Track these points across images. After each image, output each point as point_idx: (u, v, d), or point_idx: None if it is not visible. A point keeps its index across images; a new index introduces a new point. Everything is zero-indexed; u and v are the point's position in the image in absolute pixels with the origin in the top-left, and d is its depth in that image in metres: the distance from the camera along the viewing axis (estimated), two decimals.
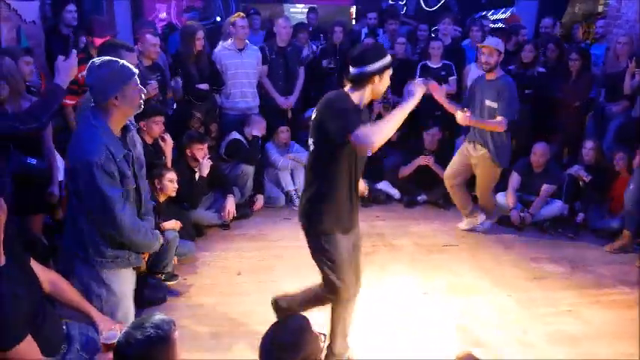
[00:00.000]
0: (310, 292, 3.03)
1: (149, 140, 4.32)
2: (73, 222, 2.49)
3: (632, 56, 5.33)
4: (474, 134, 4.68)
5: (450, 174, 4.91)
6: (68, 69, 2.81)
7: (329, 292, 2.88)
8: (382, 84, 2.74)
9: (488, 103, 4.48)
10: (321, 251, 2.80)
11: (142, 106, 2.48)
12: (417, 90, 2.66)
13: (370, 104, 5.77)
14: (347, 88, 2.76)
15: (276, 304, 3.16)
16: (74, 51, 2.56)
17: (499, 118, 4.40)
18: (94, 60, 2.39)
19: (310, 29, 6.92)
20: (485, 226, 5.03)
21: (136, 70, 2.43)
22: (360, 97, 2.72)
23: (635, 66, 5.14)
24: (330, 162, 2.69)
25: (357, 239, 3.02)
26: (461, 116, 4.39)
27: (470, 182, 5.01)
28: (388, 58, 2.72)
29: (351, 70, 2.73)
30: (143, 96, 2.46)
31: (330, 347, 3.01)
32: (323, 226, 2.76)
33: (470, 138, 4.73)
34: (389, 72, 2.74)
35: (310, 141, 2.78)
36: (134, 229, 2.47)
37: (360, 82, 2.70)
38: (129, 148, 2.49)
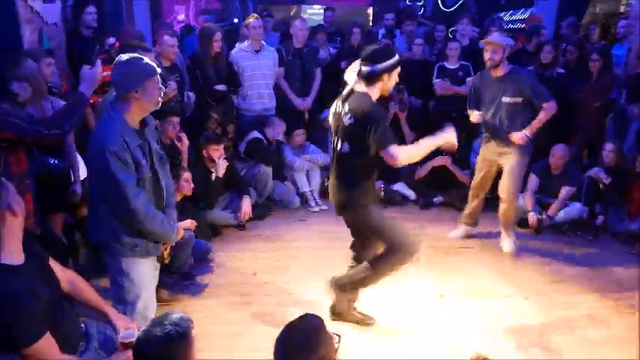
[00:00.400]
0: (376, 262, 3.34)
1: (166, 141, 4.36)
2: (94, 211, 2.61)
3: None
4: (495, 140, 4.44)
5: (477, 184, 4.71)
6: (93, 78, 2.82)
7: (392, 253, 3.26)
8: (391, 81, 3.10)
9: (507, 99, 4.27)
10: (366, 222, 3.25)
11: (160, 104, 2.60)
12: (450, 131, 3.14)
13: (386, 105, 5.84)
14: (362, 87, 3.07)
15: (336, 284, 3.44)
16: (99, 60, 2.57)
17: (545, 105, 4.21)
18: (121, 56, 2.53)
19: (328, 30, 6.93)
20: (510, 247, 4.61)
21: (159, 69, 2.55)
22: (373, 93, 3.07)
23: None
24: (365, 157, 3.07)
25: None
26: (517, 137, 4.24)
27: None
28: (396, 58, 3.07)
29: (363, 68, 3.05)
30: (162, 94, 2.58)
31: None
32: (364, 201, 3.19)
33: (486, 140, 4.54)
34: (397, 70, 3.09)
35: (342, 143, 3.12)
36: (148, 216, 2.54)
37: (371, 79, 3.04)
38: (145, 139, 2.59)
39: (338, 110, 3.17)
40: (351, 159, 3.11)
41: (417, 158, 3.14)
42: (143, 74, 2.48)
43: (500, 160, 4.45)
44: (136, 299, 2.68)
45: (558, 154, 4.99)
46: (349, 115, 3.03)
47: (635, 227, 4.77)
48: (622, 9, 8.42)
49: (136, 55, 2.55)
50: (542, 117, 4.25)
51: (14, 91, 3.16)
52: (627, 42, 6.24)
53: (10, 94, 3.14)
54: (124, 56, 2.51)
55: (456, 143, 3.21)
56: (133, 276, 2.65)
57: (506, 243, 4.60)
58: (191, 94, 5.14)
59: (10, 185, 2.16)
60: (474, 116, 4.40)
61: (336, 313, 3.50)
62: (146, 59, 2.54)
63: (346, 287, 3.42)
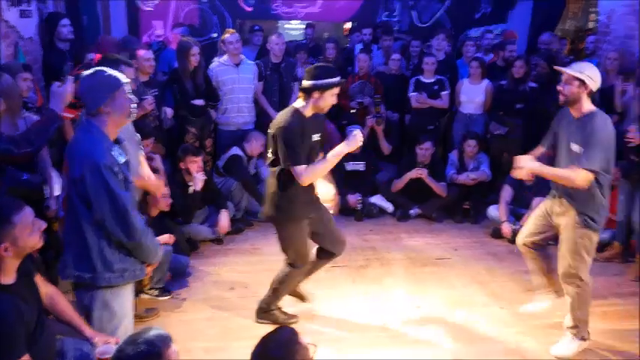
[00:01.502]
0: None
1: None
2: (77, 238, 2.43)
3: (621, 72, 5.41)
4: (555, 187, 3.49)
5: (526, 232, 3.66)
6: (63, 95, 2.77)
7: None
8: (323, 101, 3.21)
9: (574, 147, 3.26)
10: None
11: (134, 115, 2.59)
12: (357, 136, 3.21)
13: (363, 118, 5.92)
14: (300, 101, 3.28)
15: (260, 311, 3.66)
16: (70, 77, 2.50)
17: (579, 170, 3.14)
18: (83, 72, 2.49)
19: (308, 47, 7.00)
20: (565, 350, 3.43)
21: (126, 80, 2.50)
22: (308, 108, 3.24)
23: (623, 82, 5.23)
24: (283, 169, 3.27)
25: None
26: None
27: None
28: (334, 80, 3.18)
29: (303, 82, 3.24)
30: (134, 105, 2.54)
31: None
32: (292, 214, 3.35)
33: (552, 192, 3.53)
34: (333, 92, 3.20)
35: (270, 153, 3.31)
36: (144, 232, 2.49)
37: (305, 93, 3.22)
38: (126, 155, 2.55)
39: None
40: (272, 165, 3.33)
41: (324, 172, 3.33)
42: (109, 87, 2.42)
43: (557, 223, 3.47)
44: (115, 330, 2.55)
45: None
46: (271, 126, 3.28)
47: (606, 236, 4.87)
48: (591, 25, 8.68)
49: (97, 68, 2.49)
50: (561, 173, 3.29)
51: None
52: (596, 57, 6.43)
53: None
54: (87, 72, 2.47)
55: (360, 142, 3.24)
56: (114, 306, 2.53)
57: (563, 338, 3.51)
58: (168, 109, 5.13)
59: (30, 210, 2.18)
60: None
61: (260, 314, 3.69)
62: (110, 71, 2.47)
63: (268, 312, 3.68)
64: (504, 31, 7.97)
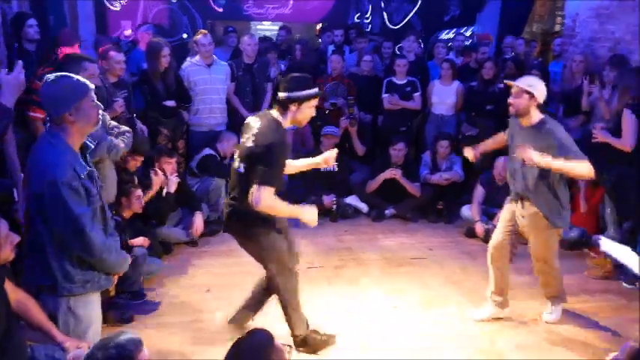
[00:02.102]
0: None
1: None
2: (38, 250, 2.36)
3: (586, 74, 5.56)
4: (514, 189, 3.68)
5: (495, 244, 3.75)
6: (13, 84, 2.37)
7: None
8: (301, 113, 3.01)
9: None
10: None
11: (100, 123, 2.47)
12: (311, 214, 3.03)
13: (337, 120, 5.93)
14: (276, 113, 3.03)
15: (296, 343, 3.29)
16: (20, 62, 2.15)
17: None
18: (48, 75, 2.34)
19: (279, 48, 6.98)
20: (555, 316, 3.81)
21: (92, 86, 2.39)
22: (285, 121, 3.02)
23: (589, 84, 5.37)
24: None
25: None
26: None
27: None
28: (310, 92, 2.99)
29: (279, 94, 3.02)
30: (101, 112, 2.43)
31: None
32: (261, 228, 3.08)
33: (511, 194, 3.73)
34: (310, 104, 3.01)
35: (240, 164, 3.03)
36: (105, 248, 2.40)
37: (282, 106, 3.00)
38: (90, 165, 2.44)
39: (250, 124, 3.08)
40: (244, 180, 2.97)
41: (276, 213, 3.01)
42: (75, 94, 2.29)
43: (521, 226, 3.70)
44: (84, 335, 2.48)
45: (501, 166, 5.18)
46: (254, 139, 2.95)
47: (575, 235, 4.99)
48: (557, 28, 8.89)
49: (64, 73, 2.37)
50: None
51: None
52: (562, 59, 6.59)
53: None
54: (51, 76, 2.31)
55: (315, 223, 3.06)
56: (80, 313, 2.46)
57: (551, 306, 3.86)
58: (144, 127, 4.94)
59: (4, 224, 2.09)
60: None
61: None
62: (76, 77, 2.36)
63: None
64: (479, 34, 8.10)
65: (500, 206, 5.16)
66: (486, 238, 5.09)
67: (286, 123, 3.04)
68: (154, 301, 3.95)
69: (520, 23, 8.25)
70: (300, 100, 2.97)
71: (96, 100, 2.39)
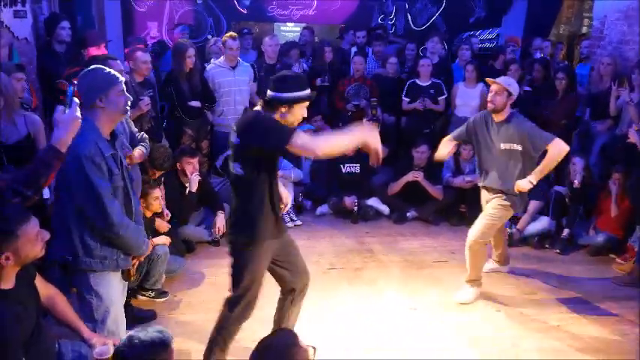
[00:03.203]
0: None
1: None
2: (62, 223, 2.52)
3: (615, 77, 5.46)
4: (485, 179, 4.06)
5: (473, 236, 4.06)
6: (69, 123, 2.21)
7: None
8: (291, 115, 2.73)
9: (504, 146, 3.89)
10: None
11: (128, 112, 2.65)
12: (370, 130, 2.65)
13: (360, 121, 5.92)
14: (259, 108, 2.78)
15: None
16: (76, 101, 2.14)
17: (552, 143, 3.72)
18: (83, 69, 2.55)
19: (301, 47, 7.00)
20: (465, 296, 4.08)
21: (123, 78, 2.57)
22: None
23: (618, 87, 5.27)
24: (258, 179, 2.75)
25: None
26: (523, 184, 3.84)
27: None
28: (302, 93, 2.71)
29: (267, 91, 2.75)
30: (129, 103, 2.59)
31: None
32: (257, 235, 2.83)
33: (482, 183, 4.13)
34: (301, 106, 2.74)
35: (236, 166, 2.79)
36: (123, 224, 2.53)
37: (271, 106, 2.72)
38: (116, 150, 2.59)
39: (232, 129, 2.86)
40: (243, 182, 2.79)
41: (338, 147, 2.66)
42: (105, 83, 2.49)
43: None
44: (106, 316, 2.62)
45: None
46: (235, 134, 2.76)
47: (601, 240, 4.91)
48: (584, 30, 8.75)
49: (97, 66, 2.57)
50: (550, 156, 3.77)
51: None
52: (590, 62, 6.48)
53: None
54: (86, 69, 2.55)
55: (378, 150, 2.61)
56: (101, 291, 2.60)
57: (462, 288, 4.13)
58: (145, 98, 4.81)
59: (35, 221, 2.15)
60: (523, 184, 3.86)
61: None
62: (108, 69, 2.56)
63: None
64: (507, 36, 8.01)
65: (524, 210, 5.13)
66: (510, 242, 5.06)
67: None
68: (177, 299, 4.00)
69: (546, 25, 8.14)
70: (291, 102, 2.70)
71: (125, 91, 2.56)
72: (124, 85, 2.56)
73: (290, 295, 3.10)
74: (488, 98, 3.85)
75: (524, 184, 3.84)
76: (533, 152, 3.81)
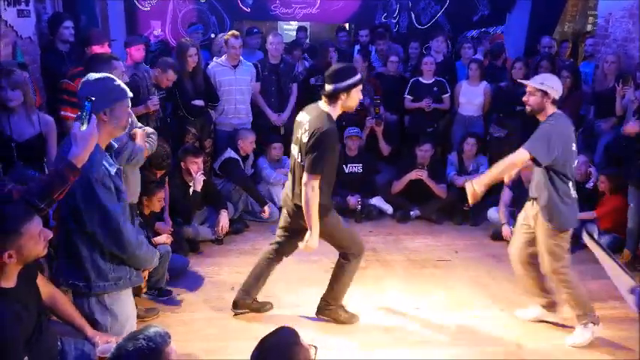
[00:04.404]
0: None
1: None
2: (71, 249, 2.41)
3: (619, 75, 5.42)
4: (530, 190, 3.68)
5: (515, 249, 3.75)
6: (87, 139, 2.15)
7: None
8: (350, 100, 3.25)
9: None
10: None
11: (127, 129, 2.58)
12: (315, 241, 3.29)
13: (363, 120, 5.91)
14: (325, 105, 3.26)
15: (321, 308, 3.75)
16: (94, 117, 2.13)
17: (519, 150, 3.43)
18: (90, 74, 2.41)
19: (304, 46, 6.99)
20: (578, 339, 3.56)
21: (130, 94, 2.45)
22: (335, 111, 3.25)
23: (623, 86, 5.24)
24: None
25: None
26: None
27: None
28: (355, 78, 3.21)
29: (326, 87, 3.23)
30: (130, 120, 2.54)
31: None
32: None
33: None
34: (357, 89, 3.24)
35: (298, 155, 3.30)
36: (138, 244, 2.46)
37: (331, 98, 3.22)
38: (118, 163, 2.53)
39: (301, 121, 3.34)
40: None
41: (306, 206, 3.21)
42: (113, 96, 2.36)
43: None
44: (121, 332, 2.51)
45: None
46: (307, 133, 3.19)
47: (606, 241, 4.88)
48: (589, 28, 8.71)
49: (107, 74, 2.45)
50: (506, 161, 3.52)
51: (7, 99, 3.24)
52: (594, 60, 6.44)
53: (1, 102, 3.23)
54: (94, 75, 2.40)
55: (310, 250, 3.35)
56: (116, 310, 2.52)
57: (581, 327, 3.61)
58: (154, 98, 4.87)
59: (38, 220, 2.13)
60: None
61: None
62: (118, 81, 2.43)
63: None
64: (493, 34, 7.99)
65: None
66: None
67: (336, 112, 3.26)
68: (180, 298, 4.00)
69: (551, 23, 8.09)
70: (348, 89, 3.18)
71: (130, 108, 2.46)
72: (129, 102, 2.45)
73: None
74: (524, 99, 3.54)
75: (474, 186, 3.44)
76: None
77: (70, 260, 2.43)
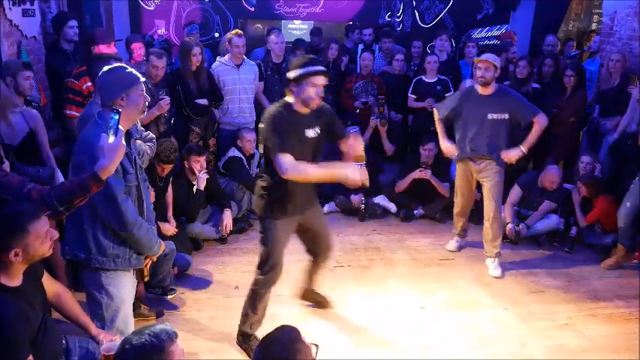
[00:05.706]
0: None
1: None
2: (75, 221, 2.53)
3: (624, 73, 5.40)
4: (472, 149, 4.43)
5: (461, 210, 4.87)
6: (115, 151, 2.18)
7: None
8: (303, 92, 2.94)
9: (492, 116, 4.30)
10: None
11: (146, 113, 2.67)
12: (355, 173, 2.88)
13: (367, 119, 5.91)
14: (289, 96, 3.05)
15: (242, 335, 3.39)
16: (121, 129, 2.18)
17: (537, 118, 4.28)
18: (105, 66, 2.55)
19: (310, 46, 6.99)
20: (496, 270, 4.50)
21: (143, 78, 2.57)
22: (297, 104, 3.01)
23: (629, 85, 5.22)
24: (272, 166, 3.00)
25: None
26: (512, 153, 4.35)
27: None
28: (305, 70, 2.91)
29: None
30: (147, 102, 2.61)
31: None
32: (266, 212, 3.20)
33: (465, 155, 4.50)
34: (309, 81, 2.91)
35: (261, 147, 3.18)
36: (136, 223, 2.54)
37: (288, 87, 3.02)
38: (131, 149, 2.60)
39: None
40: (266, 167, 3.18)
41: (310, 179, 2.99)
42: (128, 82, 2.49)
43: (480, 179, 4.54)
44: (115, 315, 2.63)
45: (553, 176, 5.07)
46: (261, 120, 3.07)
47: (609, 240, 4.87)
48: (594, 26, 8.68)
49: (118, 65, 2.57)
50: (534, 132, 4.33)
51: None
52: (599, 58, 6.42)
53: None
54: (105, 67, 2.54)
55: (360, 182, 2.90)
56: (111, 290, 2.61)
57: (491, 264, 4.56)
58: (167, 98, 4.95)
59: (45, 219, 2.14)
60: (449, 148, 4.59)
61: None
62: (130, 68, 2.56)
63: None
64: (502, 33, 7.97)
65: (535, 209, 5.11)
66: (516, 240, 5.05)
67: (298, 106, 3.02)
68: (183, 297, 4.00)
69: (555, 22, 8.08)
70: (298, 79, 2.92)
71: (144, 91, 2.57)
72: (144, 86, 2.57)
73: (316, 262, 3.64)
74: (479, 74, 4.26)
75: (514, 154, 4.34)
76: (522, 122, 4.34)
77: (75, 232, 2.56)
